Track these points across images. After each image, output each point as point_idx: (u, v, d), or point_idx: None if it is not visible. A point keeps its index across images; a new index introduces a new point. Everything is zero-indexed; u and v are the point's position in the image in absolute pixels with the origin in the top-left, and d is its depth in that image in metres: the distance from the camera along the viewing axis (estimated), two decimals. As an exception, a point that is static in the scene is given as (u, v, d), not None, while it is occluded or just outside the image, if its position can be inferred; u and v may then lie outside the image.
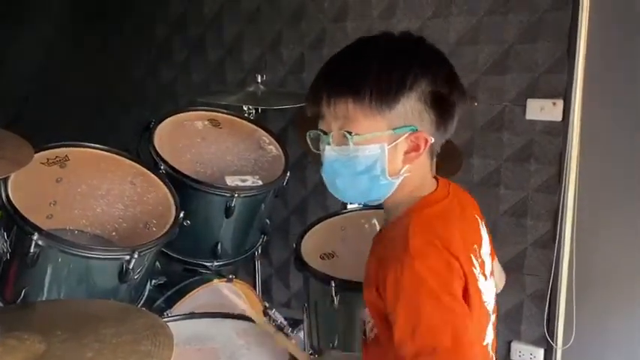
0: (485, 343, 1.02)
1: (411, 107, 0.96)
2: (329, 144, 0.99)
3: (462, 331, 0.90)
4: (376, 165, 0.97)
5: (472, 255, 1.00)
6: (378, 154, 0.97)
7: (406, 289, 0.91)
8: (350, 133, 0.96)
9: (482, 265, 1.04)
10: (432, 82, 0.97)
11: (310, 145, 1.05)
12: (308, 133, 1.04)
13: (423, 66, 0.97)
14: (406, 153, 0.98)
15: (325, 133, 1.00)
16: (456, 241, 0.96)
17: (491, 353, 1.05)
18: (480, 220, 1.09)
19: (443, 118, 0.99)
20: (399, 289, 0.92)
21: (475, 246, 1.03)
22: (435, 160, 1.05)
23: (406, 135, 0.97)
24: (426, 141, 0.98)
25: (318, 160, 1.05)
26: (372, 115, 0.96)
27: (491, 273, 1.08)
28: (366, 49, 1.00)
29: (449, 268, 0.93)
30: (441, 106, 0.98)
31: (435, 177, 1.07)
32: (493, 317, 1.08)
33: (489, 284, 1.06)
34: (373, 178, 0.98)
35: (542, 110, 1.90)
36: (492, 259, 1.11)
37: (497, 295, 1.11)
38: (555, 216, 1.91)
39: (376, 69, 0.96)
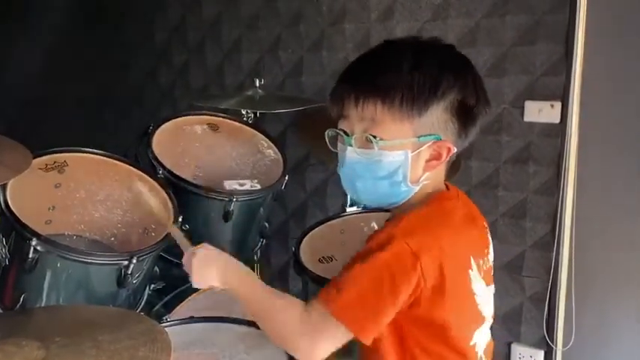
0: (472, 343, 1.02)
1: (438, 116, 0.96)
2: (351, 145, 0.99)
3: (370, 305, 0.91)
4: (399, 171, 0.97)
5: (479, 258, 1.01)
6: (401, 160, 0.97)
7: (369, 245, 0.94)
8: (375, 137, 0.96)
9: (488, 270, 1.04)
10: (462, 92, 0.97)
11: (328, 144, 1.05)
12: (327, 132, 1.04)
13: (454, 75, 0.97)
14: (427, 161, 0.99)
15: (347, 134, 1.00)
16: (449, 241, 0.96)
17: (480, 354, 1.05)
18: (486, 226, 1.11)
19: (466, 128, 0.99)
20: (365, 246, 0.95)
21: (486, 250, 1.05)
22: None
23: (430, 143, 0.97)
24: (449, 150, 0.98)
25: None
26: (400, 120, 0.96)
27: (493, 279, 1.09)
28: (396, 52, 0.99)
29: (414, 260, 0.92)
30: (467, 117, 0.98)
31: (445, 183, 1.08)
32: (491, 321, 1.08)
33: (491, 290, 1.06)
34: (394, 183, 0.98)
35: (540, 112, 1.90)
36: None
37: (496, 297, 1.11)
38: (554, 218, 1.91)
39: (409, 73, 0.95)
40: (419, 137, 0.96)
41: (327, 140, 1.04)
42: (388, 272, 0.91)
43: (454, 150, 0.99)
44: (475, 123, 1.00)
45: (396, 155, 0.96)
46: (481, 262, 1.02)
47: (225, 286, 1.06)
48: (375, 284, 0.91)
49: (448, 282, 0.94)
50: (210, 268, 1.05)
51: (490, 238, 1.10)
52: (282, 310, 0.99)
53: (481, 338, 1.04)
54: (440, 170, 1.02)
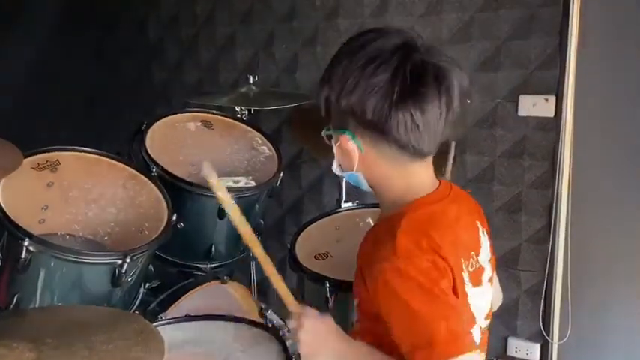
0: None
1: (341, 112, 0.98)
2: None
3: (455, 321, 0.92)
4: (336, 158, 1.05)
5: (464, 259, 1.00)
6: (334, 148, 1.04)
7: (396, 288, 0.93)
8: (328, 129, 1.04)
9: (478, 271, 1.04)
10: (334, 89, 0.97)
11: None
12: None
13: (332, 69, 0.98)
14: (349, 156, 1.02)
15: None
16: (445, 244, 0.96)
17: None
18: (481, 226, 1.09)
19: (367, 126, 0.97)
20: (389, 290, 0.93)
21: (472, 252, 1.04)
22: (424, 163, 1.03)
23: (342, 137, 1.00)
24: (350, 145, 0.99)
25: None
26: (332, 113, 1.01)
27: (490, 279, 1.08)
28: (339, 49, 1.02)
29: (435, 267, 0.94)
30: (355, 115, 0.96)
31: (439, 180, 1.07)
32: (487, 322, 1.08)
33: (485, 289, 1.06)
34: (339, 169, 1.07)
35: (534, 106, 1.90)
36: (493, 270, 1.11)
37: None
38: (549, 211, 1.91)
39: (332, 69, 0.99)
40: (336, 130, 1.02)
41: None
42: (432, 284, 0.92)
43: (353, 147, 0.99)
44: (388, 126, 0.96)
45: (333, 144, 1.04)
46: (467, 263, 1.01)
47: None
48: (435, 300, 0.92)
49: (458, 288, 0.96)
50: (321, 350, 1.02)
51: (483, 238, 1.09)
52: None
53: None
54: (404, 168, 1.01)
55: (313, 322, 1.02)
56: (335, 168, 1.07)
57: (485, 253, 1.07)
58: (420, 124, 0.94)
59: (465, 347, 0.90)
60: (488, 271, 1.07)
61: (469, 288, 1.00)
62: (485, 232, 1.10)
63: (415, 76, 0.93)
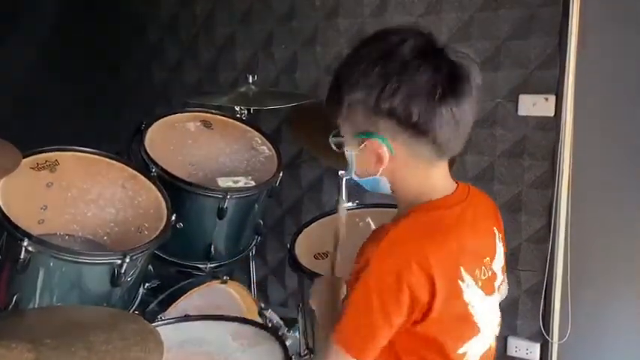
0: (461, 352, 1.00)
1: (372, 115, 0.95)
2: None
3: (365, 335, 0.94)
4: (351, 166, 1.02)
5: (467, 266, 0.97)
6: (350, 155, 1.01)
7: (357, 279, 0.95)
8: (338, 134, 1.01)
9: (491, 278, 1.02)
10: (370, 94, 0.94)
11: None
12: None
13: (363, 70, 0.95)
14: (376, 160, 0.98)
15: None
16: (441, 252, 0.94)
17: None
18: (497, 232, 1.07)
19: (409, 127, 0.94)
20: (355, 276, 0.96)
21: (487, 259, 1.02)
22: (442, 164, 1.02)
23: (369, 141, 0.96)
24: (382, 148, 0.96)
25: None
26: (342, 119, 0.99)
27: (499, 287, 1.07)
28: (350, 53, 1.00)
29: (397, 281, 0.92)
30: (397, 117, 0.94)
31: (457, 182, 1.05)
32: (497, 329, 1.07)
33: (494, 298, 1.04)
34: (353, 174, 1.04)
35: (534, 106, 1.89)
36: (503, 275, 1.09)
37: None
38: (549, 211, 1.91)
39: (342, 74, 0.98)
40: (354, 135, 0.98)
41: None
42: (376, 295, 0.93)
43: (384, 150, 0.96)
44: (421, 122, 0.94)
45: (347, 151, 1.01)
46: (477, 271, 0.99)
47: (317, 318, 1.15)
48: (367, 308, 0.94)
49: (439, 294, 0.93)
50: (315, 303, 1.15)
51: (499, 244, 1.07)
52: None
53: (475, 348, 1.01)
54: (429, 166, 0.99)
55: (319, 280, 1.19)
56: (351, 174, 1.03)
57: (499, 260, 1.06)
58: (460, 121, 0.95)
59: (346, 346, 0.94)
60: (500, 279, 1.06)
61: (478, 296, 0.98)
62: (500, 239, 1.08)
63: (452, 75, 0.94)
